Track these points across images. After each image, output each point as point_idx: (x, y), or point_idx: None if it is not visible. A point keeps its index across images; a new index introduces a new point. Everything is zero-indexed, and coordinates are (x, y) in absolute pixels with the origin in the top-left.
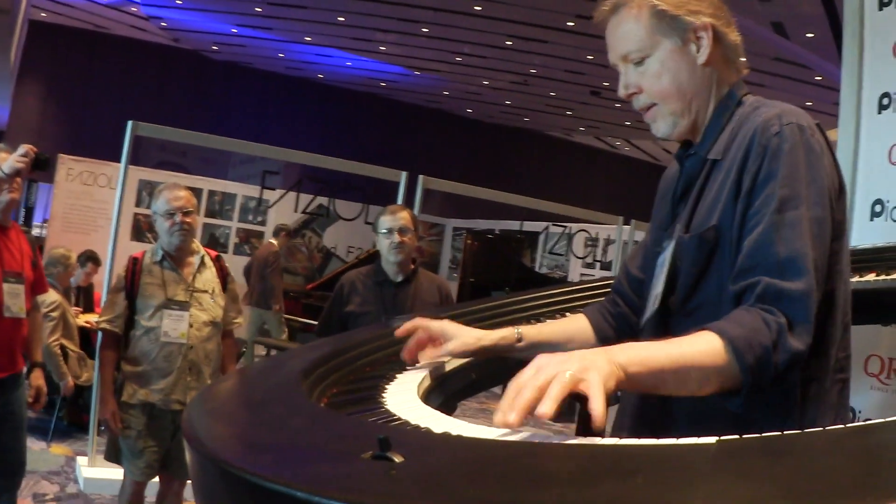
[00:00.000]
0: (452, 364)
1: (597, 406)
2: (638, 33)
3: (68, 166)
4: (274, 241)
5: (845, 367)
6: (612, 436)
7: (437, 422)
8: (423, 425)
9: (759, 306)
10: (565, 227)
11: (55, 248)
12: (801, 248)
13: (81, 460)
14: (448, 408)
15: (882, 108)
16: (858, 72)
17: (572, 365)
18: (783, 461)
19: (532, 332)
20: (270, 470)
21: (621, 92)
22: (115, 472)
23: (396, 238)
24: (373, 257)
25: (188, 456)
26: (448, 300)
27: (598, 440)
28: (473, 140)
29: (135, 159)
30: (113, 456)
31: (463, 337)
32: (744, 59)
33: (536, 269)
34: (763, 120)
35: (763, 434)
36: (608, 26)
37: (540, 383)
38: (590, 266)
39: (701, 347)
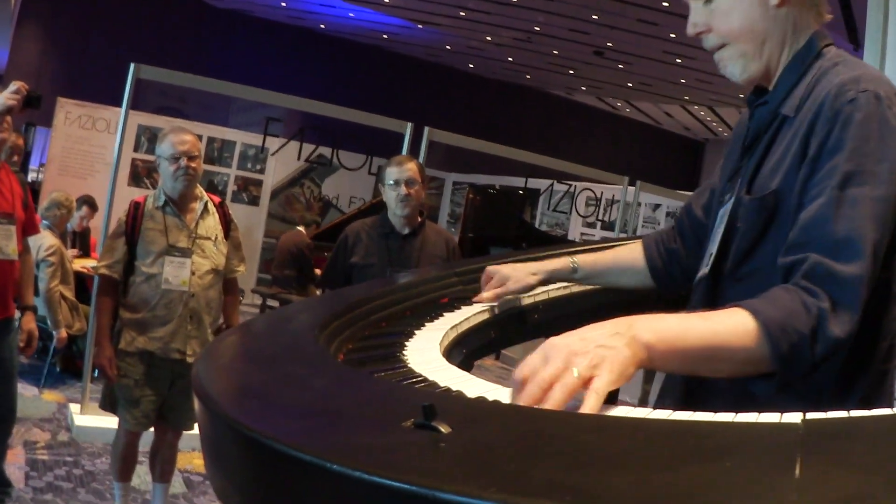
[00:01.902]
0: (471, 322)
1: (589, 407)
2: None
3: (67, 110)
4: (303, 230)
5: (890, 357)
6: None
7: (470, 385)
8: (454, 388)
9: (802, 285)
10: (570, 185)
11: (55, 191)
12: (860, 228)
13: (74, 408)
14: (466, 367)
15: None
16: (882, 45)
17: (584, 357)
18: (881, 446)
19: (588, 261)
20: (304, 439)
21: (690, 31)
22: (109, 421)
23: (403, 190)
24: (374, 208)
25: (200, 419)
26: (455, 254)
27: (667, 413)
28: (473, 95)
29: (134, 104)
30: (109, 405)
31: (518, 274)
32: (828, 11)
33: (536, 227)
34: (839, 82)
35: (850, 413)
36: None
37: (544, 383)
38: (591, 225)
39: (733, 327)
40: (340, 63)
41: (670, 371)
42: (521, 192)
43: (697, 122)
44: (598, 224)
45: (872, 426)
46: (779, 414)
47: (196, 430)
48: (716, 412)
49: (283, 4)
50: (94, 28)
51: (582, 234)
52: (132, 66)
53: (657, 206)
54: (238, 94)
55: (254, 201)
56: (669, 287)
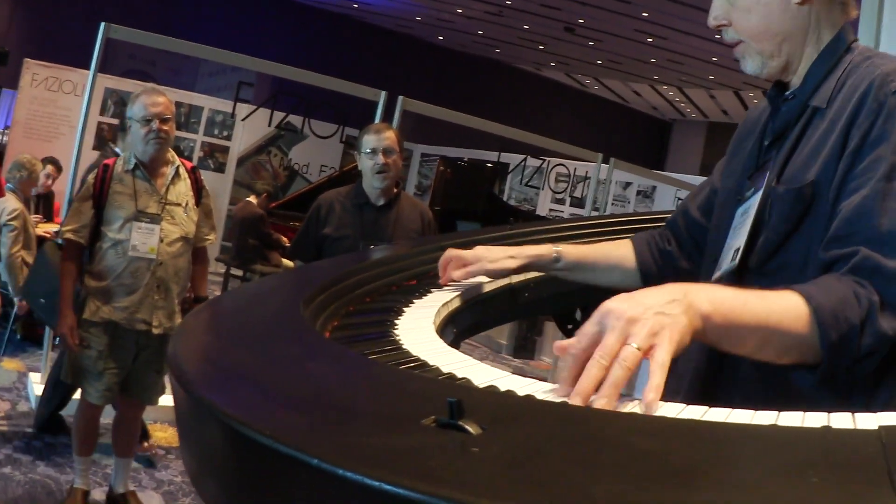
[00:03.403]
0: (459, 302)
1: (655, 384)
2: None
3: (33, 71)
4: (253, 200)
5: None
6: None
7: (476, 371)
8: (459, 374)
9: (853, 278)
10: (542, 160)
11: (20, 154)
12: None
13: (34, 377)
14: (455, 346)
15: None
16: (877, 22)
17: (643, 326)
18: None
19: (571, 252)
20: (301, 436)
21: (710, 22)
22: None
23: (381, 159)
24: (343, 177)
25: (177, 402)
26: (430, 227)
27: (720, 414)
28: (443, 68)
29: (102, 66)
30: (70, 376)
31: (496, 258)
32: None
33: (505, 201)
34: (882, 73)
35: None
36: None
37: (608, 358)
38: (560, 202)
39: (786, 310)
40: (311, 32)
41: (719, 346)
42: (489, 165)
43: (665, 102)
44: (568, 200)
45: None
46: (850, 416)
47: (160, 402)
48: (735, 401)
49: None
50: None
51: (550, 209)
52: (102, 25)
53: (628, 184)
54: (210, 56)
55: (220, 168)
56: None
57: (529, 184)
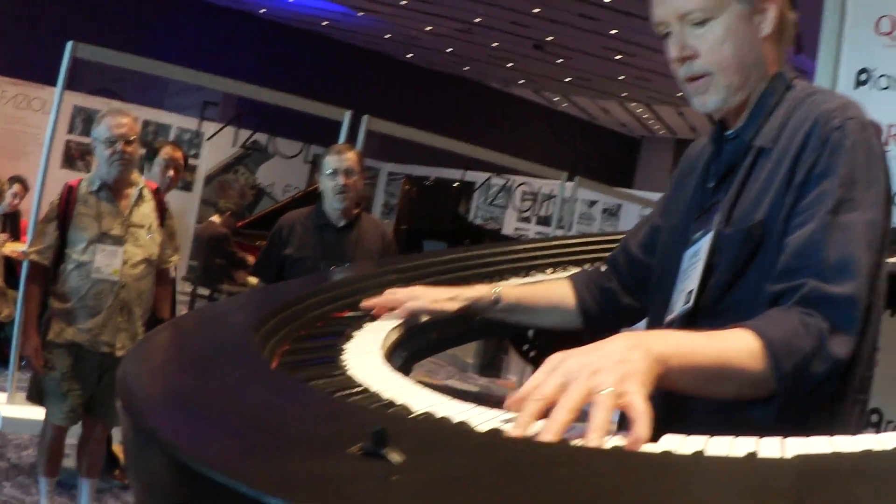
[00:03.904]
0: (411, 323)
1: (641, 432)
2: None
3: (2, 88)
4: (216, 219)
5: (867, 388)
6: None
7: (416, 396)
8: (398, 400)
9: (800, 309)
10: (507, 179)
11: None
12: (854, 252)
13: (0, 397)
14: (405, 370)
15: (859, 83)
16: (837, 46)
17: (610, 374)
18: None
19: (512, 294)
20: (230, 462)
21: (674, 54)
22: (36, 412)
23: (341, 180)
24: (308, 197)
25: (122, 425)
26: (390, 248)
27: (676, 442)
28: (412, 85)
29: (70, 84)
30: (36, 396)
31: (435, 299)
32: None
33: (471, 220)
34: (826, 110)
35: (836, 451)
36: None
37: (575, 405)
38: (526, 220)
39: (739, 347)
40: (279, 49)
41: (679, 389)
42: (455, 184)
43: (634, 119)
44: (534, 219)
45: (870, 463)
46: (778, 443)
47: None
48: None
49: None
50: (31, 5)
51: (516, 228)
52: (69, 44)
53: (593, 202)
54: (176, 75)
55: (187, 187)
56: (601, 327)
57: (494, 203)
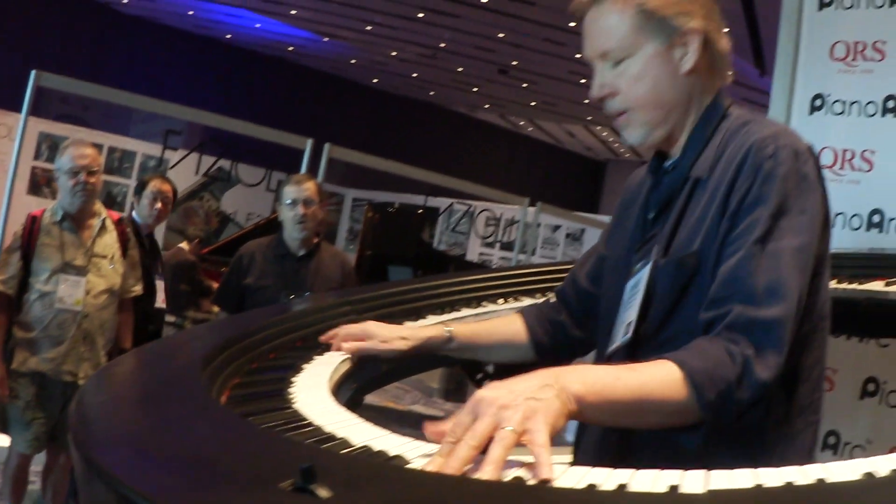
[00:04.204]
0: (358, 358)
1: (542, 467)
2: (620, 30)
3: None
4: (184, 246)
5: (818, 409)
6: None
7: (356, 430)
8: (339, 433)
9: (725, 336)
10: (469, 205)
11: None
12: (781, 277)
13: None
14: (357, 401)
15: (814, 109)
16: (792, 71)
17: (516, 412)
18: None
19: (464, 332)
20: (166, 495)
21: (594, 92)
22: (1, 440)
23: (300, 210)
24: (272, 224)
25: (74, 461)
26: (350, 278)
27: (580, 475)
28: (378, 111)
29: (36, 111)
30: (0, 424)
31: (387, 337)
32: (730, 71)
33: (435, 246)
34: (758, 140)
35: (759, 484)
36: (587, 17)
37: (478, 441)
38: (489, 245)
39: (660, 379)
40: (246, 74)
41: (599, 423)
42: (420, 210)
43: (599, 143)
44: (498, 245)
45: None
46: (702, 476)
47: None
48: (638, 466)
49: (191, 13)
50: None
51: (481, 254)
52: (33, 73)
53: (557, 227)
54: (137, 104)
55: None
56: (554, 359)
57: (456, 229)
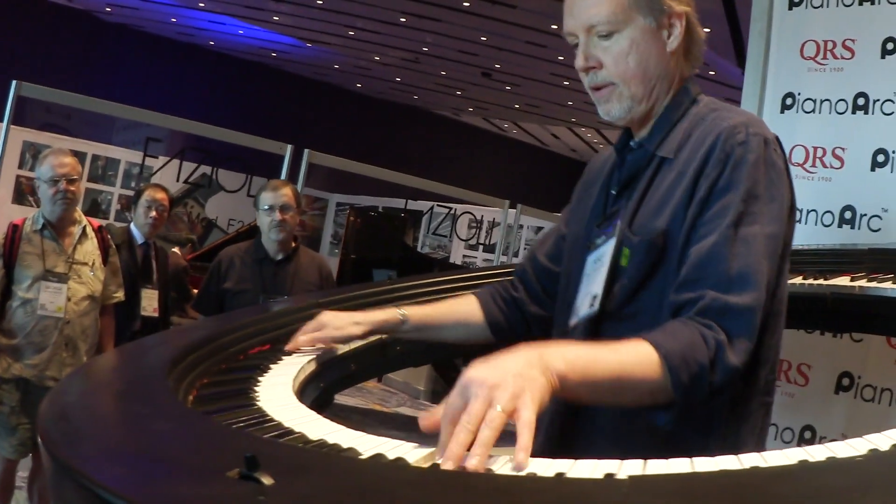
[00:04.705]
0: (329, 355)
1: (524, 444)
2: (612, 4)
3: None
4: (178, 251)
5: (771, 391)
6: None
7: (313, 425)
8: (297, 428)
9: (699, 320)
10: (450, 208)
11: None
12: (753, 264)
13: None
14: (325, 400)
15: (785, 107)
16: (763, 70)
17: (505, 391)
18: None
19: (417, 313)
20: (122, 485)
21: (581, 63)
22: None
23: (277, 216)
24: (254, 231)
25: (43, 458)
26: (328, 280)
27: (501, 466)
28: (361, 115)
29: (19, 120)
30: None
31: (340, 325)
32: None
33: (419, 249)
34: (729, 126)
35: (679, 472)
36: None
37: (475, 424)
38: (473, 248)
39: (637, 359)
40: (230, 80)
41: (578, 400)
42: (403, 214)
43: (584, 144)
44: (481, 247)
45: (698, 485)
46: (640, 464)
47: None
48: (594, 447)
49: (174, 20)
50: None
51: (464, 256)
52: (14, 83)
53: (540, 228)
54: (118, 113)
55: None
56: (509, 337)
57: (437, 232)
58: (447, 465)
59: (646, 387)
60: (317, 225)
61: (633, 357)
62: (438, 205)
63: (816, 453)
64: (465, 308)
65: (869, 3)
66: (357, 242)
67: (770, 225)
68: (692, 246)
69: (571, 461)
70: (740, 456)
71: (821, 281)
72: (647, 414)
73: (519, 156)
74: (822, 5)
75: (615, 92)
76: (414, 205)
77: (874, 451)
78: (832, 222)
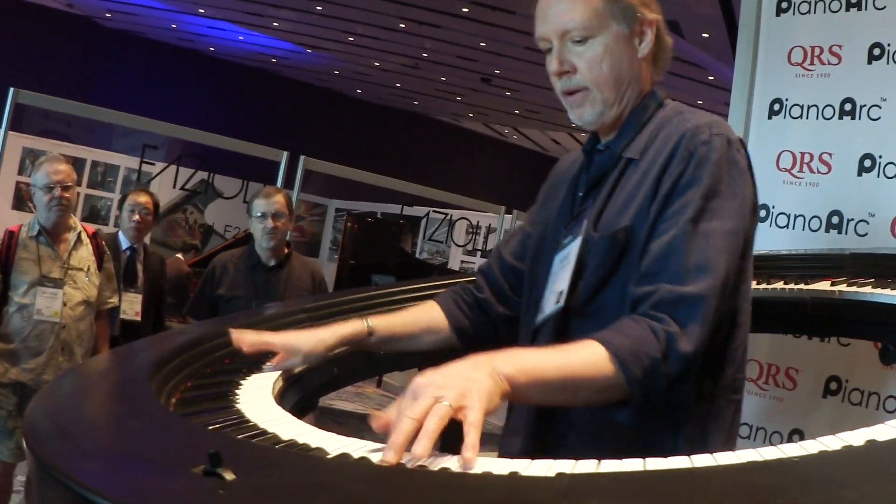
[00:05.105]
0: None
1: (471, 442)
2: (587, 11)
3: None
4: (181, 257)
5: (740, 388)
6: (502, 448)
7: (287, 427)
8: (271, 430)
9: (650, 314)
10: (446, 213)
11: None
12: (711, 257)
13: None
14: (309, 403)
15: (773, 113)
16: (751, 76)
17: (451, 390)
18: None
19: (383, 324)
20: (94, 479)
21: (553, 68)
22: None
23: (270, 223)
24: (250, 237)
25: (28, 457)
26: (321, 286)
27: (451, 466)
28: (361, 121)
29: (19, 126)
30: None
31: (308, 343)
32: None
33: (417, 255)
34: (693, 126)
35: (623, 470)
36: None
37: (417, 415)
38: (470, 254)
39: (587, 358)
40: (230, 86)
41: (531, 402)
42: (401, 220)
43: None
44: (479, 253)
45: (635, 484)
46: (594, 463)
47: None
48: (565, 446)
49: (174, 26)
50: None
51: (462, 262)
52: (11, 90)
53: None
54: (115, 120)
55: None
56: (476, 340)
57: (433, 238)
58: (388, 454)
59: (598, 384)
60: (316, 231)
61: (583, 356)
62: (435, 211)
63: (767, 454)
64: (428, 315)
65: (856, 8)
66: (354, 248)
67: (730, 221)
68: (653, 241)
69: (528, 461)
70: (693, 457)
71: (801, 286)
72: (607, 411)
73: (520, 161)
74: (809, 11)
75: (588, 97)
76: (410, 211)
77: (822, 452)
78: (819, 227)
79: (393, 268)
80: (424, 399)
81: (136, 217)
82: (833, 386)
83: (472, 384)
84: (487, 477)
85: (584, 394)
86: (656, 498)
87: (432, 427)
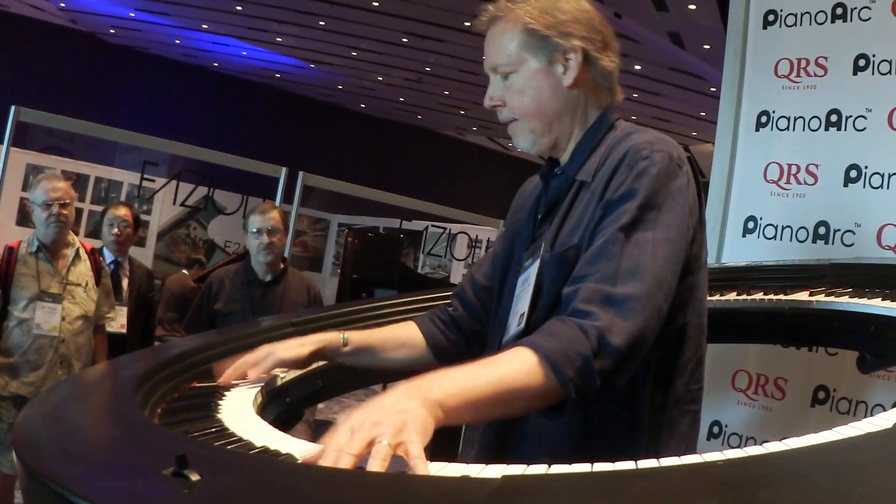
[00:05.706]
0: (296, 372)
1: (422, 473)
2: (507, 48)
3: None
4: (186, 272)
5: (697, 399)
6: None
7: (263, 435)
8: (246, 437)
9: (578, 310)
10: (444, 227)
11: None
12: (642, 262)
13: None
14: (293, 415)
15: (760, 125)
16: (738, 88)
17: (388, 426)
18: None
19: (358, 336)
20: (72, 481)
21: (486, 103)
22: None
23: (265, 239)
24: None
25: (17, 465)
26: (317, 300)
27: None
28: (366, 135)
29: (22, 143)
30: None
31: (286, 346)
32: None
33: (419, 269)
34: (636, 143)
35: (558, 472)
36: (487, 36)
37: (356, 451)
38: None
39: (517, 367)
40: (234, 102)
41: (468, 422)
42: (401, 235)
43: None
44: None
45: (567, 485)
46: (544, 468)
47: None
48: (519, 458)
49: (177, 42)
50: None
51: (464, 275)
52: (13, 108)
53: None
54: (116, 137)
55: (140, 242)
56: (450, 357)
57: (433, 252)
58: None
59: (532, 392)
60: (319, 245)
61: (514, 366)
62: (433, 225)
63: (710, 457)
64: (405, 331)
65: (841, 20)
66: (355, 263)
67: (664, 232)
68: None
69: (481, 466)
70: (639, 462)
71: (780, 296)
72: (545, 416)
73: (525, 174)
74: (795, 24)
75: (518, 126)
76: (409, 225)
77: (760, 455)
78: (806, 238)
79: (394, 282)
80: (362, 434)
81: (116, 230)
82: (821, 395)
83: (406, 416)
84: (432, 478)
85: (519, 403)
86: (595, 496)
87: (378, 470)
